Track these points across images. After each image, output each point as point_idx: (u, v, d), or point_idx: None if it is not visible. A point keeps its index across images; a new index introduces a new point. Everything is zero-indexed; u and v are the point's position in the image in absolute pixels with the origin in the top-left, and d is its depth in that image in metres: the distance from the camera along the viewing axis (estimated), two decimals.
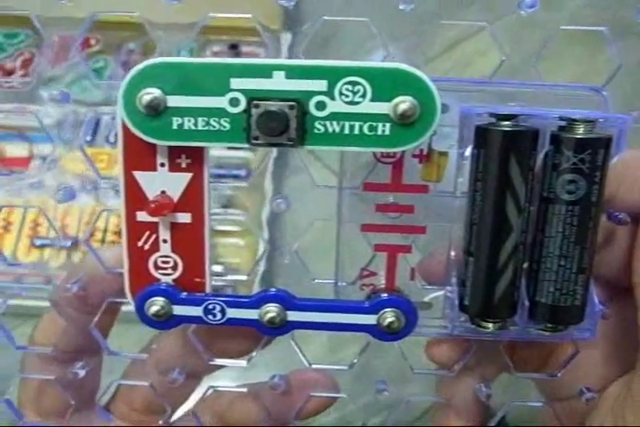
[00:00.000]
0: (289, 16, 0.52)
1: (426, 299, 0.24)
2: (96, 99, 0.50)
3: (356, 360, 0.26)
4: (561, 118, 0.21)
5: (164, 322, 0.24)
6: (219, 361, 0.26)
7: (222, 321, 0.24)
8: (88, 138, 0.48)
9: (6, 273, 0.45)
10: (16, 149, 0.49)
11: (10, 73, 0.52)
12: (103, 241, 0.45)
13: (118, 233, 0.43)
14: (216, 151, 0.46)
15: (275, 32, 0.51)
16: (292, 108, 0.21)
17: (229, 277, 0.29)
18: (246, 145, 0.22)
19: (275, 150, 0.47)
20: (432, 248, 0.24)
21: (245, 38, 0.52)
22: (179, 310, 0.24)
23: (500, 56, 0.23)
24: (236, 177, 0.45)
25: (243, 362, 0.26)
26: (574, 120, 0.21)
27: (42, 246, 0.45)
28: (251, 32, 0.50)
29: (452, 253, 0.24)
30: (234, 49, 0.55)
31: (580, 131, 0.21)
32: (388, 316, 0.23)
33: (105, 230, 0.44)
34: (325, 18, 0.24)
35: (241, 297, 0.24)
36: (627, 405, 0.23)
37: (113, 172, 0.45)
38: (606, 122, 0.22)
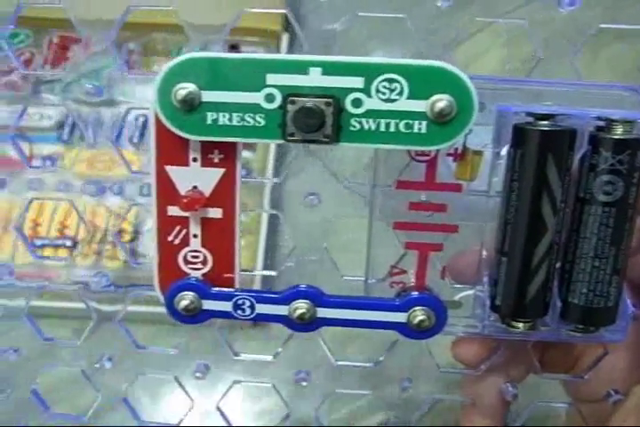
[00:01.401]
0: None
1: (456, 298, 0.24)
2: (97, 99, 0.50)
3: (382, 358, 0.26)
4: (599, 118, 0.21)
5: (194, 317, 0.24)
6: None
7: (251, 317, 0.24)
8: (90, 139, 0.48)
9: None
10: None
11: (9, 73, 0.52)
12: (103, 241, 0.45)
13: (118, 233, 0.43)
14: None
15: (275, 33, 0.51)
16: (328, 104, 0.21)
17: (257, 273, 0.29)
18: (282, 141, 0.22)
19: (274, 150, 0.48)
20: (464, 247, 0.24)
21: (245, 38, 0.51)
22: (208, 304, 0.24)
23: (536, 54, 0.23)
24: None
25: (269, 357, 0.26)
26: (613, 120, 0.21)
27: (42, 247, 0.45)
28: (251, 32, 0.50)
29: (484, 253, 0.24)
30: (234, 49, 0.55)
31: (619, 131, 0.21)
32: (419, 314, 0.23)
33: (105, 231, 0.44)
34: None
35: (270, 293, 0.24)
36: None
37: (112, 172, 0.45)
38: None
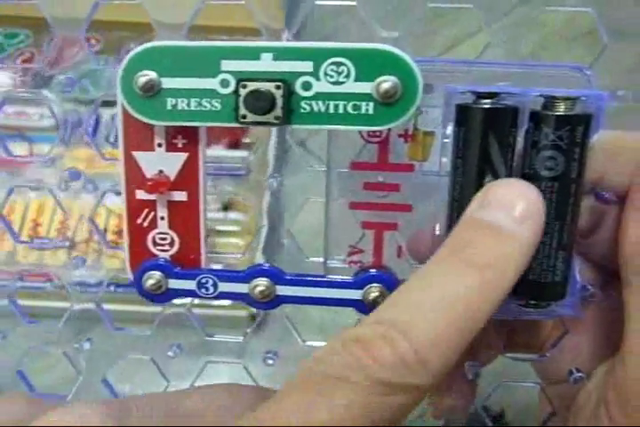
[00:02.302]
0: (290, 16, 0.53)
1: None
2: (96, 99, 0.51)
3: None
4: (541, 96, 0.22)
5: (160, 295, 0.25)
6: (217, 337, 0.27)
7: (214, 295, 0.25)
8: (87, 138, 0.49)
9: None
10: (16, 149, 0.50)
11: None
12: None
13: (118, 233, 0.44)
14: (215, 151, 0.47)
15: (277, 32, 0.52)
16: (278, 87, 0.22)
17: (226, 256, 0.30)
18: (236, 124, 0.23)
19: (274, 150, 0.49)
20: (421, 227, 0.25)
21: (245, 38, 0.52)
22: (174, 283, 0.25)
23: (486, 38, 0.24)
24: (236, 177, 0.46)
25: (239, 338, 0.27)
26: (554, 98, 0.22)
27: (41, 247, 0.46)
28: (251, 32, 0.51)
29: (437, 231, 0.24)
30: None
31: (561, 108, 0.21)
32: (373, 291, 0.23)
33: (105, 230, 0.45)
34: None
35: (232, 272, 0.25)
36: (609, 385, 0.23)
37: (112, 172, 0.46)
38: (588, 100, 0.22)
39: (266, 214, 0.46)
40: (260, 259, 0.44)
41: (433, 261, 0.19)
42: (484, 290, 0.18)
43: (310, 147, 0.42)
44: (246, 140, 0.49)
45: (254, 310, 0.43)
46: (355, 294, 0.24)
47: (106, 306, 0.34)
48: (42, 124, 0.50)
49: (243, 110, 0.22)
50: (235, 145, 0.49)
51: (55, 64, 0.49)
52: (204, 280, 0.25)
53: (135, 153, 0.25)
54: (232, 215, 0.47)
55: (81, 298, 0.28)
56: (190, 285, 0.25)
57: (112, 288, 0.43)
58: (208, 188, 0.25)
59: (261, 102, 0.22)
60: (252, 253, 0.42)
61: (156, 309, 0.30)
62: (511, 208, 0.19)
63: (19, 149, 0.49)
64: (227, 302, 0.42)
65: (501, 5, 0.57)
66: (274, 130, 0.50)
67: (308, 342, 0.27)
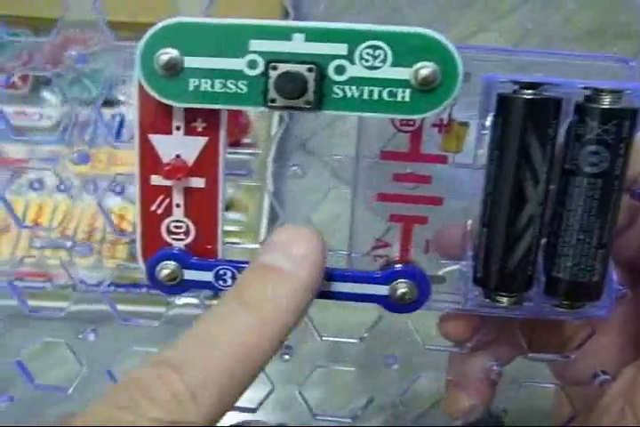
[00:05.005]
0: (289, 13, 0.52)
1: (440, 273, 0.24)
2: (96, 99, 0.50)
3: (366, 334, 0.26)
4: (586, 88, 0.21)
5: (174, 287, 0.24)
6: None
7: None
8: (87, 137, 0.48)
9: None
10: (16, 149, 0.49)
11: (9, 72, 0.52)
12: (103, 241, 0.45)
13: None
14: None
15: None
16: (310, 70, 0.21)
17: (241, 246, 0.29)
18: (263, 108, 0.21)
19: (274, 150, 0.47)
20: (449, 221, 0.24)
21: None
22: (189, 274, 0.23)
23: (524, 24, 0.23)
24: (235, 177, 0.44)
25: None
26: (600, 90, 0.21)
27: (41, 247, 0.45)
28: None
29: (469, 227, 0.23)
30: None
31: (606, 101, 0.20)
32: (401, 287, 0.22)
33: (105, 230, 0.44)
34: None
35: None
36: (637, 388, 0.23)
37: (112, 172, 0.45)
38: (634, 94, 0.21)
39: (266, 215, 0.45)
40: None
41: (218, 303, 0.20)
42: (259, 329, 0.19)
43: (310, 147, 0.41)
44: (246, 141, 0.48)
45: None
46: (382, 290, 0.23)
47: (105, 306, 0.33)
48: (42, 124, 0.48)
49: (272, 93, 0.21)
50: (235, 145, 0.48)
51: (55, 64, 0.48)
52: (222, 272, 0.23)
53: (152, 136, 0.23)
54: (232, 215, 0.46)
55: (84, 298, 0.26)
56: (207, 276, 0.23)
57: (112, 288, 0.42)
58: None
59: (293, 85, 0.21)
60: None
61: (158, 309, 0.29)
62: (288, 249, 0.20)
63: (19, 149, 0.48)
64: None
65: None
66: (274, 130, 0.50)
67: (325, 338, 0.26)
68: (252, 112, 0.48)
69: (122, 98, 0.47)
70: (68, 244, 0.41)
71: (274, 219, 0.44)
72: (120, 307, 0.35)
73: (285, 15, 0.49)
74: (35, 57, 0.51)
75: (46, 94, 0.52)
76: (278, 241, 0.20)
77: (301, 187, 0.39)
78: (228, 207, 0.47)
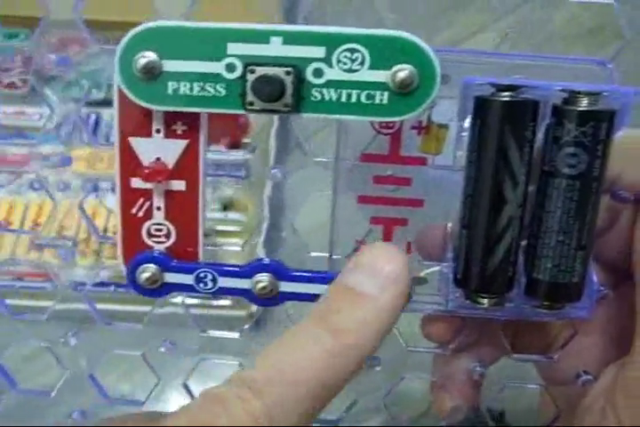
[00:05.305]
0: (288, 13, 0.52)
1: (422, 274, 0.24)
2: (96, 98, 0.50)
3: None
4: (564, 90, 0.21)
5: (155, 290, 0.24)
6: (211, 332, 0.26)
7: (213, 290, 0.23)
8: (86, 137, 0.48)
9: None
10: (16, 149, 0.49)
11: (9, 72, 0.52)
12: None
13: None
14: (214, 155, 0.46)
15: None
16: (288, 73, 0.21)
17: (224, 247, 0.29)
18: (242, 111, 0.21)
19: (274, 151, 0.47)
20: (430, 222, 0.24)
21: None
22: (170, 277, 0.23)
23: (504, 29, 0.23)
24: (235, 177, 0.45)
25: (235, 334, 0.26)
26: (577, 92, 0.21)
27: (41, 247, 0.45)
28: None
29: (449, 229, 0.23)
30: None
31: (584, 103, 0.21)
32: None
33: (105, 230, 0.44)
34: None
35: (233, 266, 0.23)
36: (617, 387, 0.23)
37: (113, 171, 0.45)
38: (611, 96, 0.21)
39: (267, 209, 0.45)
40: (261, 254, 0.43)
41: (300, 325, 0.20)
42: (341, 354, 0.19)
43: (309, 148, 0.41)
44: (246, 141, 0.48)
45: (254, 309, 0.42)
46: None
47: (107, 306, 0.33)
48: (42, 124, 0.48)
49: (250, 97, 0.21)
50: (235, 145, 0.48)
51: (55, 64, 0.48)
52: (202, 275, 0.23)
53: (132, 139, 0.23)
54: (232, 215, 0.46)
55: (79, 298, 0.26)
56: (188, 279, 0.23)
57: (112, 288, 0.42)
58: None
59: (270, 88, 0.21)
60: (252, 249, 0.41)
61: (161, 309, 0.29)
62: (374, 272, 0.20)
63: (19, 149, 0.48)
64: (226, 302, 0.41)
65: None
66: (274, 130, 0.49)
67: None
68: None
69: None
70: (69, 244, 0.41)
71: (274, 219, 0.44)
72: (124, 307, 0.35)
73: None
74: (35, 57, 0.51)
75: (46, 94, 0.52)
76: (364, 261, 0.20)
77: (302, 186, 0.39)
78: (227, 207, 0.47)
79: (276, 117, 0.50)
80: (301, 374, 0.18)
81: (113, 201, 0.47)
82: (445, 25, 0.56)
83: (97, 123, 0.51)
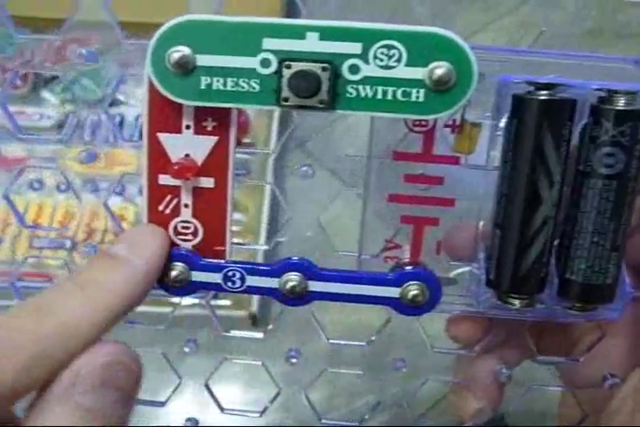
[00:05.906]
0: (289, 13, 0.52)
1: (451, 275, 0.24)
2: (96, 98, 0.50)
3: (374, 338, 0.26)
4: (601, 89, 0.21)
5: (182, 288, 0.23)
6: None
7: (242, 289, 0.23)
8: (87, 137, 0.48)
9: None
10: (16, 150, 0.49)
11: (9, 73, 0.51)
12: (102, 241, 0.45)
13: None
14: None
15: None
16: (324, 69, 0.21)
17: (250, 247, 0.29)
18: (276, 107, 0.21)
19: (277, 150, 0.47)
20: (460, 222, 0.24)
21: None
22: (197, 276, 0.23)
23: (540, 27, 0.23)
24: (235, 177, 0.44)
25: (260, 334, 0.26)
26: (615, 91, 0.21)
27: (41, 247, 0.45)
28: None
29: (480, 228, 0.23)
30: None
31: (621, 103, 0.20)
32: (413, 289, 0.22)
33: (105, 231, 0.44)
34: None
35: (262, 265, 0.23)
36: None
37: (112, 171, 0.45)
38: None
39: (266, 215, 0.45)
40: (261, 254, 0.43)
41: (57, 282, 0.21)
42: (86, 306, 0.20)
43: (309, 148, 0.41)
44: (246, 141, 0.48)
45: (254, 310, 0.41)
46: (393, 292, 0.22)
47: None
48: (42, 124, 0.48)
49: (285, 92, 0.21)
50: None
51: (55, 64, 0.47)
52: (230, 273, 0.23)
53: (160, 135, 0.23)
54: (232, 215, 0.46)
55: None
56: (215, 278, 0.23)
57: None
58: None
59: (307, 84, 0.20)
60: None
61: (163, 309, 0.28)
62: (130, 240, 0.22)
63: (18, 149, 0.47)
64: (226, 302, 0.41)
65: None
66: (274, 130, 0.49)
67: (333, 341, 0.25)
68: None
69: (121, 98, 0.47)
70: (68, 244, 0.41)
71: (274, 219, 0.44)
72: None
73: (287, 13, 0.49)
74: (35, 57, 0.51)
75: (46, 94, 0.51)
76: (124, 235, 0.22)
77: (304, 187, 0.39)
78: None
79: (276, 117, 0.50)
80: (48, 320, 0.19)
81: (113, 201, 0.48)
82: (445, 25, 0.56)
83: (97, 122, 0.50)
